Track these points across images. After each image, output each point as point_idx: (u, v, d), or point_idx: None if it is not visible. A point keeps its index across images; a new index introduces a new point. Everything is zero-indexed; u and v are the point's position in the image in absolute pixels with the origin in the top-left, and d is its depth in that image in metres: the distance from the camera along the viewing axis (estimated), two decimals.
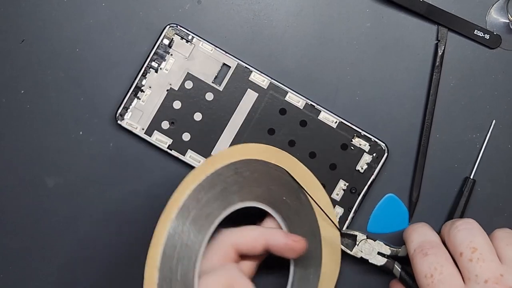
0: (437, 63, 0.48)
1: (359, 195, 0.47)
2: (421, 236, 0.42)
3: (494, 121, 0.48)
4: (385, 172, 0.48)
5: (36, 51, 0.47)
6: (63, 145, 0.47)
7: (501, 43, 0.48)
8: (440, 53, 0.48)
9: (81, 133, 0.47)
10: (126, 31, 0.47)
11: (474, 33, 0.48)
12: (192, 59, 0.46)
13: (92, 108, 0.47)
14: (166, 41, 0.46)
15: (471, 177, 0.48)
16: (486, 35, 0.48)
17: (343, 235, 0.46)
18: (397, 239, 0.48)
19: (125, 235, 0.48)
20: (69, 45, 0.47)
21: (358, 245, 0.46)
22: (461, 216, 0.48)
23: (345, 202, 0.47)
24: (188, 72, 0.46)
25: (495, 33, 0.48)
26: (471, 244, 0.39)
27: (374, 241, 0.46)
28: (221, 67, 0.47)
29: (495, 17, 0.48)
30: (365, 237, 0.46)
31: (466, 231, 0.40)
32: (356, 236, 0.46)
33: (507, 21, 0.47)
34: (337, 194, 0.47)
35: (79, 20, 0.47)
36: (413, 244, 0.42)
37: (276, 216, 0.45)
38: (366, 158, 0.47)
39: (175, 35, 0.46)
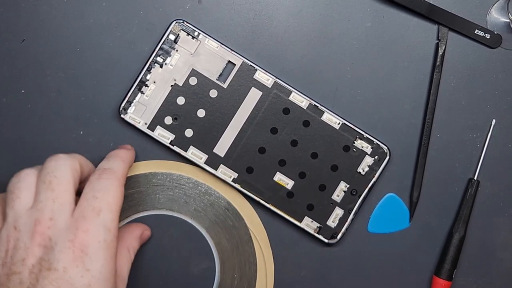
0: (437, 63, 0.48)
1: (359, 197, 0.47)
2: None
3: (494, 120, 0.49)
4: (386, 171, 0.48)
5: (37, 50, 0.47)
6: (63, 145, 0.47)
7: (501, 43, 0.48)
8: (440, 52, 0.48)
9: (81, 132, 0.47)
10: (126, 31, 0.47)
11: (475, 32, 0.48)
12: (197, 56, 0.46)
13: (93, 108, 0.47)
14: (172, 37, 0.46)
15: (475, 178, 0.48)
16: (486, 34, 0.48)
17: None
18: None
19: None
20: (69, 44, 0.47)
21: None
22: (467, 218, 0.48)
23: (346, 204, 0.47)
24: (193, 69, 0.46)
25: (495, 33, 0.48)
26: None
27: None
28: (226, 64, 0.47)
29: (496, 16, 0.48)
30: None
31: None
32: None
33: (508, 20, 0.48)
34: (338, 196, 0.47)
35: (79, 19, 0.47)
36: None
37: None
38: (368, 160, 0.47)
39: (181, 31, 0.46)
